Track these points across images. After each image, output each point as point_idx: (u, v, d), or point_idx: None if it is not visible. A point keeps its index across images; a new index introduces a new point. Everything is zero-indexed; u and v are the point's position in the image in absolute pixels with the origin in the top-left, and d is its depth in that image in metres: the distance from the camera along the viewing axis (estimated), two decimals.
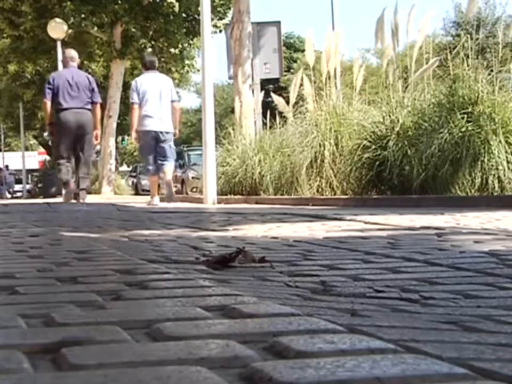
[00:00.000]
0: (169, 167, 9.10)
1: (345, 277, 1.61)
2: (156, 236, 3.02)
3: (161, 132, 8.76)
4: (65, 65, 9.49)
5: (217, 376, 0.70)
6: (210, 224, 3.82)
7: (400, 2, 9.99)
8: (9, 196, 38.86)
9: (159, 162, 8.78)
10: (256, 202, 9.24)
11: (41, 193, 23.67)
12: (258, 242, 2.61)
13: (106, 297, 1.24)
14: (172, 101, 8.92)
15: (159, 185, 9.43)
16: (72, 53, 9.34)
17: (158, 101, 8.76)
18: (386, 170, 8.51)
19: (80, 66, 9.04)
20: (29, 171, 37.68)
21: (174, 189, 9.82)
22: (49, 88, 9.04)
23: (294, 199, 9.38)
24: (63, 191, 9.41)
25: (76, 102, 8.79)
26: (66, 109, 8.76)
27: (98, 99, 9.08)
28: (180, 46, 21.12)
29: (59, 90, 8.86)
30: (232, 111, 12.37)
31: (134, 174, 37.57)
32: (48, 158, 36.20)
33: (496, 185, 7.43)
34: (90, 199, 16.58)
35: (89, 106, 8.92)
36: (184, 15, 20.93)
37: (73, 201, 8.76)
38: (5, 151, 49.28)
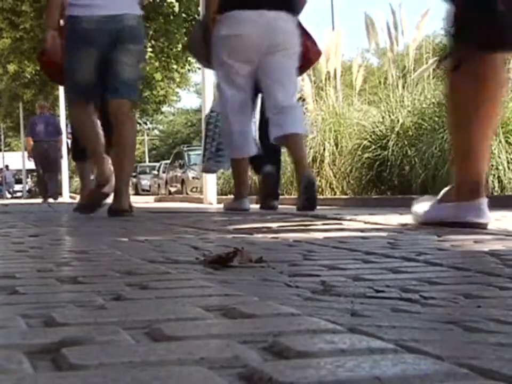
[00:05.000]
0: None
1: (345, 277, 1.61)
2: (156, 236, 3.02)
3: None
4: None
5: (217, 376, 0.70)
6: (210, 224, 3.82)
7: (397, 2, 9.99)
8: (9, 195, 38.85)
9: None
10: (256, 202, 9.24)
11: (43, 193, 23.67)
12: (258, 242, 2.61)
13: (106, 297, 1.24)
14: None
15: None
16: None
17: None
18: (386, 170, 8.52)
19: None
20: (29, 171, 37.67)
21: (173, 189, 9.61)
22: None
23: (294, 199, 9.38)
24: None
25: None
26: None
27: None
28: (180, 45, 21.12)
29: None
30: None
31: (134, 174, 37.59)
32: None
33: (496, 185, 7.43)
34: None
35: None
36: (184, 15, 20.94)
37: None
38: (5, 151, 49.30)
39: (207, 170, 7.20)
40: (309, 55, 5.59)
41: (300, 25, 5.40)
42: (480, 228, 2.97)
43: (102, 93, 4.74)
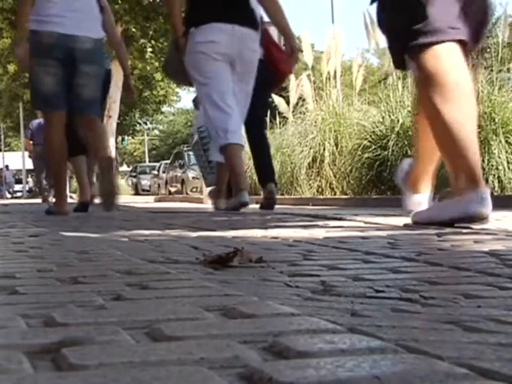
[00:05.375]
0: None
1: (345, 277, 1.61)
2: (156, 235, 3.02)
3: None
4: None
5: (217, 376, 0.70)
6: (210, 224, 3.82)
7: None
8: (9, 195, 38.85)
9: None
10: (257, 202, 9.24)
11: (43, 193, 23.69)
12: (258, 242, 2.61)
13: (106, 297, 1.24)
14: None
15: None
16: None
17: None
18: (386, 170, 8.52)
19: None
20: (29, 171, 37.69)
21: (173, 189, 9.63)
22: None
23: (294, 199, 9.38)
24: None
25: None
26: None
27: None
28: None
29: None
30: None
31: (134, 174, 37.61)
32: None
33: (496, 185, 7.43)
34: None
35: None
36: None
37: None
38: (5, 151, 49.30)
39: (209, 184, 7.17)
40: (281, 67, 5.92)
41: (271, 41, 5.86)
42: (482, 219, 3.01)
43: (70, 110, 5.13)
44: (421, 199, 3.62)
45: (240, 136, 5.34)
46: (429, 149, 3.41)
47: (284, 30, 5.44)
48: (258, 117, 6.07)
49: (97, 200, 6.29)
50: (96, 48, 4.99)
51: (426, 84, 3.00)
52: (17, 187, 42.63)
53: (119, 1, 19.71)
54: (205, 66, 5.19)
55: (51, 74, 4.87)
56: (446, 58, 2.99)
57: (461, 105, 2.98)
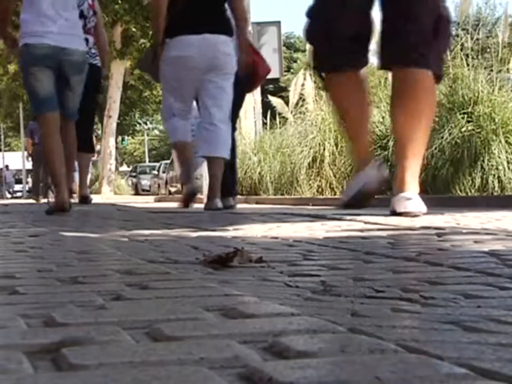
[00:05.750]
0: None
1: (345, 277, 1.61)
2: (156, 235, 3.02)
3: None
4: None
5: (217, 376, 0.70)
6: (210, 224, 3.82)
7: None
8: (9, 195, 38.85)
9: None
10: (256, 202, 9.25)
11: (41, 194, 23.69)
12: (258, 242, 2.61)
13: (106, 297, 1.24)
14: None
15: None
16: None
17: None
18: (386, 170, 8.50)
19: None
20: (29, 171, 37.67)
21: (173, 189, 9.67)
22: None
23: (294, 199, 9.38)
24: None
25: None
26: None
27: None
28: None
29: None
30: None
31: (134, 174, 37.60)
32: None
33: (496, 185, 7.43)
34: None
35: None
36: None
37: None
38: (5, 151, 49.28)
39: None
40: (259, 72, 6.28)
41: (250, 46, 6.23)
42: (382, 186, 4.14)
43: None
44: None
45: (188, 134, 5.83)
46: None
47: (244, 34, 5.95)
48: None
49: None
50: (82, 60, 5.52)
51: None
52: (17, 187, 42.61)
53: (119, 1, 19.72)
54: (172, 78, 5.70)
55: (42, 80, 5.35)
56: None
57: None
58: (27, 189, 37.41)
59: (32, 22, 5.32)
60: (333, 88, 3.97)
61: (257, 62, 6.15)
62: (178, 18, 5.53)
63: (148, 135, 69.59)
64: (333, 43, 3.79)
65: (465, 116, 7.63)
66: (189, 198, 6.02)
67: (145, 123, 49.13)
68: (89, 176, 13.01)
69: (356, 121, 3.96)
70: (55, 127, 5.35)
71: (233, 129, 6.48)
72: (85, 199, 7.73)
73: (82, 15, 7.19)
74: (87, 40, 6.97)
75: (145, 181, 34.31)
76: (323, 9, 3.81)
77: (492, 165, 7.38)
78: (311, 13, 3.89)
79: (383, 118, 8.95)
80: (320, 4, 3.86)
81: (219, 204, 5.61)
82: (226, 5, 5.74)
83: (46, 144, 5.42)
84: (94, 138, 8.88)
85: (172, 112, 5.79)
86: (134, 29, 20.09)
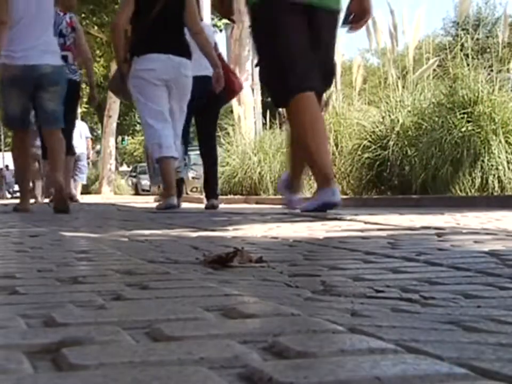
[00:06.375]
0: None
1: (345, 277, 1.61)
2: (156, 235, 3.02)
3: None
4: None
5: (217, 376, 0.70)
6: (210, 224, 3.82)
7: (397, 2, 10.00)
8: (9, 195, 38.82)
9: None
10: (256, 202, 9.25)
11: (42, 194, 23.72)
12: (258, 242, 2.61)
13: (106, 297, 1.24)
14: None
15: None
16: None
17: None
18: (386, 170, 8.51)
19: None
20: None
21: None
22: None
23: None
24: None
25: None
26: None
27: None
28: None
29: None
30: (232, 111, 12.37)
31: (134, 174, 37.59)
32: None
33: (496, 185, 7.43)
34: (90, 199, 16.57)
35: None
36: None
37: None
38: (5, 151, 49.22)
39: (155, 184, 8.52)
40: (233, 88, 7.06)
41: (224, 63, 7.02)
42: (335, 206, 4.34)
43: (39, 123, 6.43)
44: (298, 197, 5.08)
45: (173, 149, 6.17)
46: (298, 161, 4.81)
47: (212, 59, 6.40)
48: (209, 132, 7.20)
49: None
50: (54, 72, 6.00)
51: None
52: (17, 187, 42.60)
53: (119, 1, 19.70)
54: (145, 89, 6.17)
55: (16, 100, 5.98)
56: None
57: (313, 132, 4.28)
58: None
59: (8, 42, 5.85)
60: (302, 109, 4.24)
61: (232, 79, 6.94)
62: (145, 39, 6.12)
63: None
64: (300, 69, 4.25)
65: (465, 115, 7.63)
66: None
67: None
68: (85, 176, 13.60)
69: (323, 138, 4.40)
70: (26, 141, 6.22)
71: (215, 143, 7.38)
72: (71, 198, 8.39)
73: (61, 34, 8.21)
74: (66, 56, 7.90)
75: (145, 181, 34.23)
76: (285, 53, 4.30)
77: (492, 165, 7.38)
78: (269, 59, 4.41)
79: (383, 118, 8.95)
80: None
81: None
82: (185, 30, 6.33)
83: (14, 153, 6.27)
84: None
85: (154, 122, 6.16)
86: None
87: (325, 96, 4.88)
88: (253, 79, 13.22)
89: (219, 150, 11.16)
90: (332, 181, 4.35)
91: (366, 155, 8.74)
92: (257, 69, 4.83)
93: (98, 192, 23.76)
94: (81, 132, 16.05)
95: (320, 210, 4.25)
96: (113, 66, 21.53)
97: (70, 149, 8.57)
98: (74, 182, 16.79)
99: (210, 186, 7.19)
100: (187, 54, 6.22)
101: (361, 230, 3.03)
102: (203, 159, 7.41)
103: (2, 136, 46.88)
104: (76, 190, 16.38)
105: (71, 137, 8.80)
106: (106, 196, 20.71)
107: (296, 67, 4.18)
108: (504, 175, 7.36)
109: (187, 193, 20.98)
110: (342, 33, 10.88)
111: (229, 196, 10.72)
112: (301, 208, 4.60)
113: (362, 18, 4.40)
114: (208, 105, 6.87)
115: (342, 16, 4.41)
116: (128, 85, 6.24)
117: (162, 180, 6.44)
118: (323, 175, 4.29)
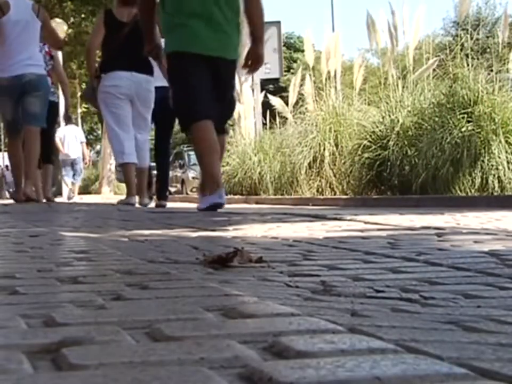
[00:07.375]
0: None
1: (345, 277, 1.61)
2: (156, 235, 3.02)
3: None
4: None
5: (217, 376, 0.70)
6: (210, 224, 3.82)
7: (397, 2, 10.00)
8: (9, 196, 38.78)
9: None
10: (256, 202, 9.25)
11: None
12: (258, 242, 2.61)
13: (106, 297, 1.24)
14: None
15: None
16: None
17: None
18: (386, 170, 8.52)
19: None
20: None
21: (173, 189, 10.12)
22: None
23: (294, 199, 9.39)
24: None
25: None
26: None
27: None
28: None
29: None
30: None
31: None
32: None
33: (496, 185, 7.44)
34: (90, 199, 16.56)
35: None
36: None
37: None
38: (5, 151, 49.20)
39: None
40: None
41: None
42: (222, 206, 5.27)
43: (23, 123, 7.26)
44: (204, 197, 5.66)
45: (134, 156, 7.06)
46: None
47: (163, 73, 6.83)
48: (165, 142, 8.06)
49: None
50: (37, 79, 7.10)
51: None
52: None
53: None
54: (111, 102, 7.12)
55: (6, 108, 7.12)
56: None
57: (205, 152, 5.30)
58: None
59: (1, 56, 7.02)
60: (201, 132, 5.24)
61: None
62: (111, 58, 7.10)
63: None
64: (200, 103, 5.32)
65: (465, 115, 7.63)
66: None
67: None
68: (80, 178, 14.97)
69: (215, 154, 5.27)
70: (18, 143, 7.19)
71: (168, 145, 8.33)
72: (49, 201, 9.15)
73: None
74: None
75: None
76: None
77: (492, 165, 7.38)
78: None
79: (383, 118, 8.95)
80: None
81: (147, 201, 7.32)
82: None
83: (9, 154, 7.44)
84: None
85: (117, 131, 7.06)
86: None
87: (227, 124, 6.04)
88: (252, 79, 13.22)
89: None
90: (220, 187, 5.34)
91: (366, 155, 8.74)
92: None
93: (98, 192, 23.75)
94: (76, 136, 16.23)
95: (211, 209, 5.17)
96: None
97: (49, 158, 9.67)
98: (73, 185, 16.96)
99: (162, 188, 8.12)
100: (149, 70, 7.16)
101: (361, 230, 3.03)
102: (158, 167, 8.41)
103: (2, 136, 46.87)
104: (74, 192, 16.64)
105: (49, 148, 9.85)
106: (106, 195, 20.71)
107: (197, 102, 5.27)
108: (504, 175, 7.36)
109: (187, 193, 20.99)
110: (342, 33, 10.86)
111: (228, 196, 10.72)
112: (197, 207, 5.53)
113: (258, 64, 5.54)
114: (165, 113, 7.59)
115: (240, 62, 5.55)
116: (98, 99, 7.23)
117: (125, 182, 7.49)
118: (213, 182, 5.27)
